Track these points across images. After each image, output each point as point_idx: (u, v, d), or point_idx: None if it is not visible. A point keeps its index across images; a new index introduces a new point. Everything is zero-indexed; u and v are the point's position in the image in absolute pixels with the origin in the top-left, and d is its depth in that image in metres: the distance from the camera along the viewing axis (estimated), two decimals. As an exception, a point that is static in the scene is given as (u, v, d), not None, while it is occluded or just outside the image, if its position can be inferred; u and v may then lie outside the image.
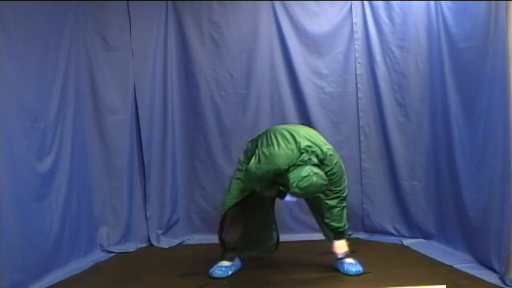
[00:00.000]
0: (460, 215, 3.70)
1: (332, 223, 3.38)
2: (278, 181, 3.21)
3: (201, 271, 3.53)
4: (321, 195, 3.28)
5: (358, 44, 4.37)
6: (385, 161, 4.30)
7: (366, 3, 4.33)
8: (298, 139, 3.22)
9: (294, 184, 3.05)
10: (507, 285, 3.03)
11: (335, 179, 3.30)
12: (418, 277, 3.25)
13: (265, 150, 3.23)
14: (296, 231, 4.40)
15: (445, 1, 3.78)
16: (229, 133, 4.45)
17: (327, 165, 3.23)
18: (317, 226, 4.39)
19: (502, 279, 3.09)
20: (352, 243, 3.61)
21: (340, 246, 3.43)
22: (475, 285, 3.13)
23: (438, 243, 3.98)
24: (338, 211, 3.36)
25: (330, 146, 3.34)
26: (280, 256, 3.85)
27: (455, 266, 3.47)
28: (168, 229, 4.45)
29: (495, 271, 3.20)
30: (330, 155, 3.27)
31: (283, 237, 4.29)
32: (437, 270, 3.45)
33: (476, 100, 3.44)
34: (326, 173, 3.19)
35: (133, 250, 4.24)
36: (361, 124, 4.40)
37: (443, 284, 2.98)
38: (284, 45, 4.40)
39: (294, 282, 3.38)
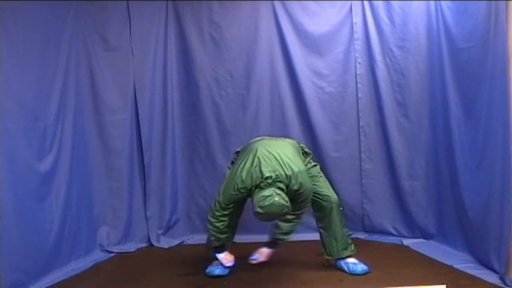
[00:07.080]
0: (460, 215, 3.70)
1: (281, 235, 3.49)
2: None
3: (201, 271, 3.53)
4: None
5: (358, 44, 4.37)
6: (385, 161, 4.30)
7: (366, 3, 4.32)
8: (263, 168, 3.12)
9: (258, 204, 3.00)
10: (507, 285, 3.03)
11: (301, 199, 3.25)
12: (418, 277, 3.25)
13: (235, 168, 3.27)
14: (295, 231, 4.39)
15: (445, 1, 3.78)
16: (229, 133, 4.46)
17: (293, 184, 3.14)
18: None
19: (502, 279, 3.09)
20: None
21: (268, 254, 3.49)
22: (475, 285, 3.13)
23: (438, 243, 3.98)
24: (291, 226, 3.45)
25: (302, 168, 3.24)
26: (280, 255, 3.84)
27: (455, 266, 3.47)
28: (168, 229, 4.46)
29: (495, 271, 3.20)
30: (296, 175, 3.15)
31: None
32: (437, 270, 3.45)
33: (476, 100, 3.44)
34: (295, 191, 3.15)
35: (133, 250, 4.24)
36: (361, 124, 4.40)
37: (443, 284, 2.99)
38: (284, 45, 4.40)
39: (294, 282, 3.38)
